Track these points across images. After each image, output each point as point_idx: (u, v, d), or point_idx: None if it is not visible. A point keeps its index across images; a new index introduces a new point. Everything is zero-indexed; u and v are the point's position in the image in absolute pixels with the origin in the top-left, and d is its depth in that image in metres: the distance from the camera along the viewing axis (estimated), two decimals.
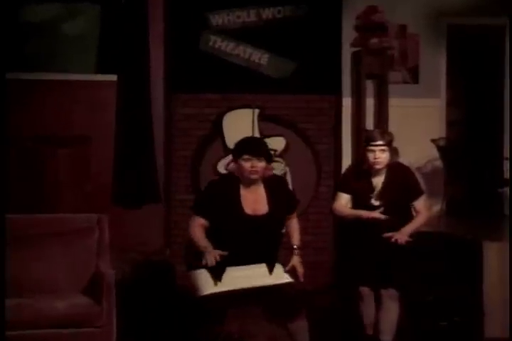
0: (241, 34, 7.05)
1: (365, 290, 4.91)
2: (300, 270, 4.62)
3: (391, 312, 4.83)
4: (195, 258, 4.49)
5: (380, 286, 4.81)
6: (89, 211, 5.49)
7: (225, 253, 4.31)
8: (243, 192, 4.49)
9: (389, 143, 4.76)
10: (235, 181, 4.52)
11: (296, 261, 4.65)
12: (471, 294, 5.47)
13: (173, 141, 7.12)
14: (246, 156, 4.43)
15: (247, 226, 4.41)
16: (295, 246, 4.70)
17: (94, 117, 6.64)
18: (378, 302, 4.86)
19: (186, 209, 6.99)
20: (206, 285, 4.44)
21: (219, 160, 7.13)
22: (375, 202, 4.73)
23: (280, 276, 4.55)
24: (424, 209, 4.89)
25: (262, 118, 7.10)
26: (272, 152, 6.51)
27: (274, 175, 4.72)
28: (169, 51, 6.89)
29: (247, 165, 4.43)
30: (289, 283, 4.54)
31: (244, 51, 7.08)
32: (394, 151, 4.80)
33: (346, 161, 7.11)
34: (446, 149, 7.04)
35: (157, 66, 6.72)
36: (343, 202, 4.92)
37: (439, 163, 7.08)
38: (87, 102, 6.64)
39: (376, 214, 4.70)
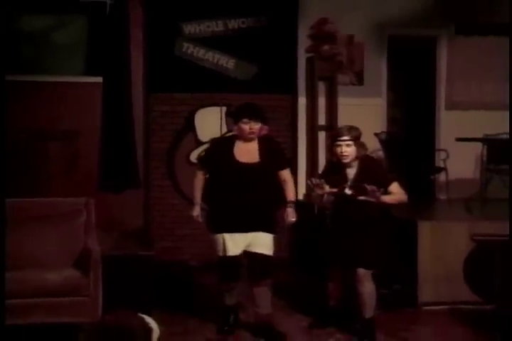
0: (210, 41, 7.17)
1: (335, 271, 4.85)
2: (291, 218, 4.68)
3: (367, 291, 4.68)
4: (214, 224, 4.67)
5: (355, 266, 4.66)
6: (78, 196, 5.47)
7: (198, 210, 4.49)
8: (238, 145, 4.60)
9: (355, 138, 4.60)
10: (231, 138, 4.66)
11: (289, 211, 4.66)
12: (407, 266, 5.55)
13: (151, 134, 7.19)
14: (245, 120, 4.54)
15: (241, 171, 4.52)
16: (289, 200, 4.72)
17: (82, 114, 6.69)
18: (353, 283, 4.69)
19: (163, 193, 7.15)
20: (227, 248, 4.62)
21: (191, 151, 7.20)
22: (348, 192, 4.60)
23: (269, 248, 4.65)
24: (399, 191, 4.71)
25: (228, 114, 7.13)
26: None
27: (268, 136, 4.75)
28: (148, 56, 6.96)
29: (245, 127, 4.55)
30: (268, 256, 4.66)
31: (213, 56, 7.18)
32: (361, 145, 4.63)
33: (301, 152, 7.26)
34: (387, 142, 7.17)
35: (137, 69, 6.78)
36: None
37: (381, 154, 7.16)
38: (75, 101, 6.69)
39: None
